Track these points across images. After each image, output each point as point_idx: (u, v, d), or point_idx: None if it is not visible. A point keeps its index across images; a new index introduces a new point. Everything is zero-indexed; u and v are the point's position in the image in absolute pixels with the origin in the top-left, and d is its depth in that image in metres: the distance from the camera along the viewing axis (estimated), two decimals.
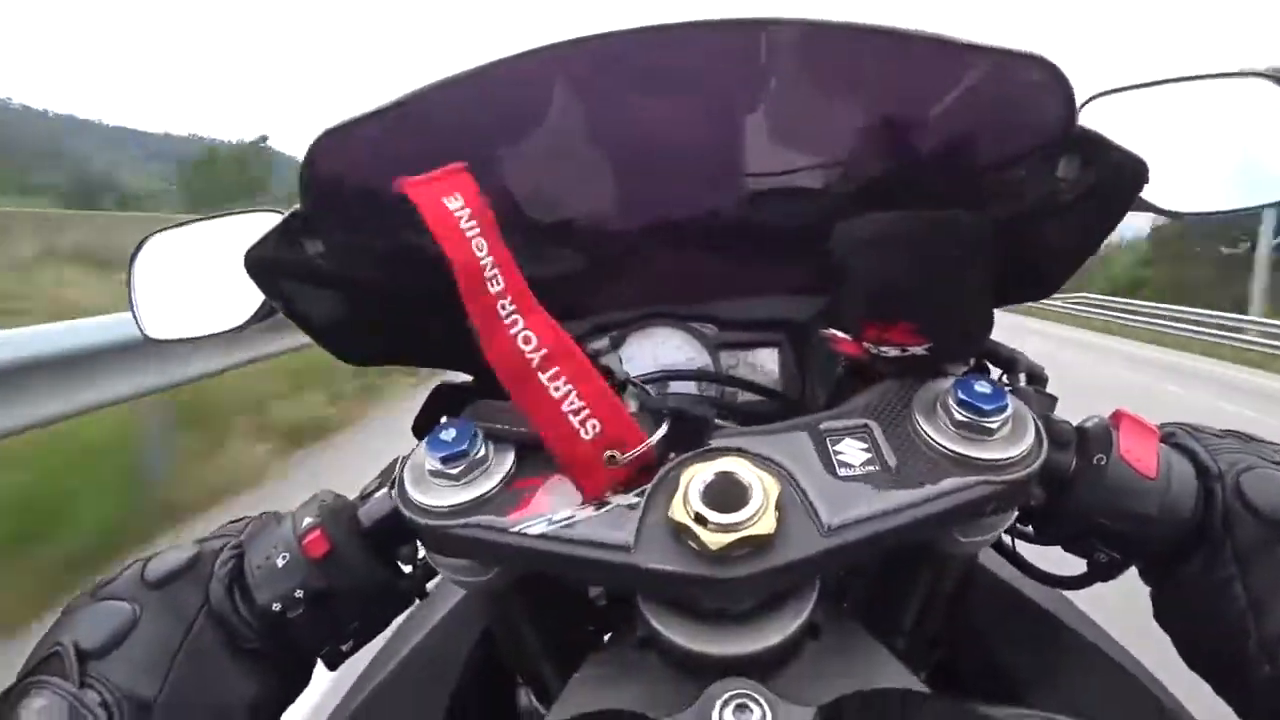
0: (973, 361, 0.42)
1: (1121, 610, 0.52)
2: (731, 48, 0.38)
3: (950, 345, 0.37)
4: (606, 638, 0.47)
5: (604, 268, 0.51)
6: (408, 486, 0.34)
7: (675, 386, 0.53)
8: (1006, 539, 0.43)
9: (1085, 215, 0.39)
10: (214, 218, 0.56)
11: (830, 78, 0.39)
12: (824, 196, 0.46)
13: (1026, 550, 0.45)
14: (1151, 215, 0.43)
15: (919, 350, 0.36)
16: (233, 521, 0.42)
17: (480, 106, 0.38)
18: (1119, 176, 0.37)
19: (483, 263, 0.33)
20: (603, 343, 0.55)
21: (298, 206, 0.39)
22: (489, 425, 0.35)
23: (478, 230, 0.33)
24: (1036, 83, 0.34)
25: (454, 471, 0.33)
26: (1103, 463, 0.37)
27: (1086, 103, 0.44)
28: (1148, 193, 0.42)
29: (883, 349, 0.37)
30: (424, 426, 0.51)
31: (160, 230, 0.57)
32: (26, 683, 0.33)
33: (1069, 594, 0.48)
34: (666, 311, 0.55)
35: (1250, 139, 0.44)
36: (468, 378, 0.54)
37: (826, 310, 0.52)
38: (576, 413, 0.33)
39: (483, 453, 0.34)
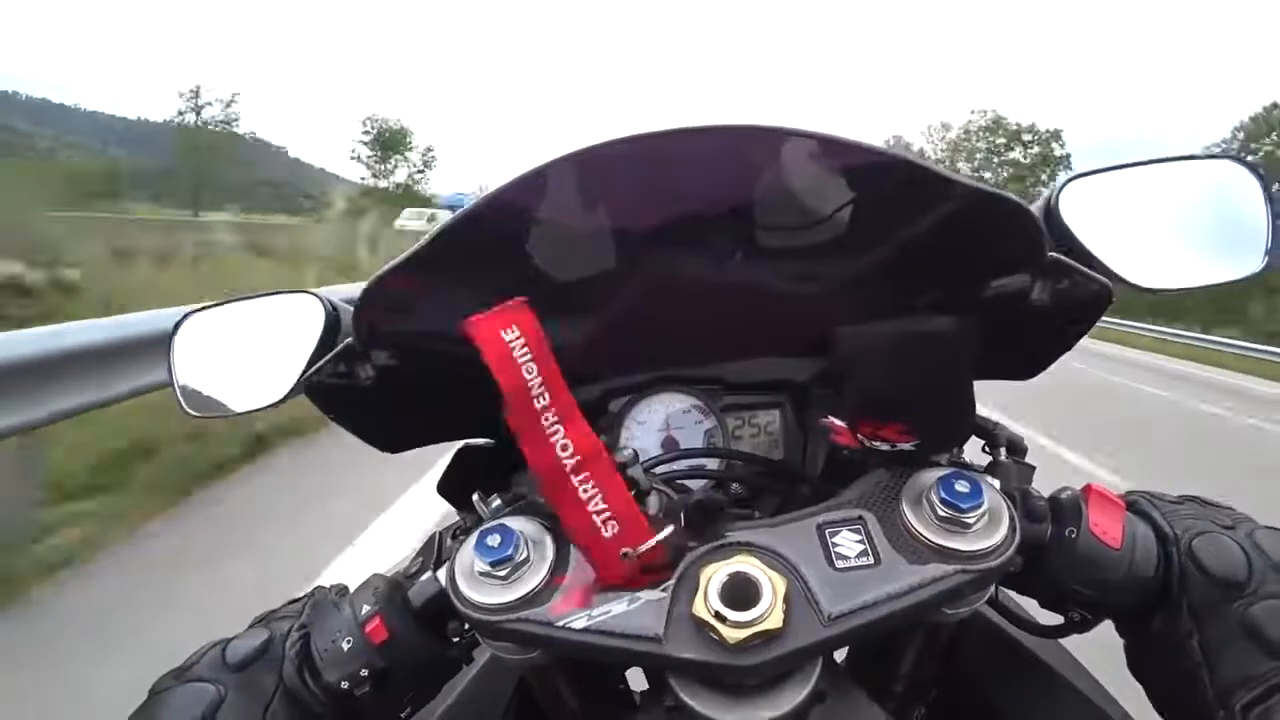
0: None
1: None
2: (745, 150, 0.42)
3: (936, 440, 0.41)
4: (637, 697, 0.50)
5: (616, 334, 0.55)
6: (460, 585, 0.38)
7: (689, 461, 0.56)
8: (994, 589, 0.47)
9: (1058, 324, 0.44)
10: (250, 298, 0.59)
11: (829, 178, 0.42)
12: (821, 265, 0.49)
13: (1015, 597, 0.49)
14: None
15: (907, 446, 0.40)
16: (291, 602, 0.45)
17: (505, 221, 0.42)
18: (1087, 297, 0.41)
19: (530, 384, 0.37)
20: (618, 405, 0.58)
21: (350, 340, 0.43)
22: (528, 527, 0.39)
23: (529, 356, 0.38)
24: (1010, 218, 0.38)
25: (501, 574, 0.37)
26: (1074, 535, 0.41)
27: (1065, 184, 0.48)
28: (1124, 269, 0.46)
29: (875, 443, 0.41)
30: (449, 488, 0.55)
31: (198, 309, 0.60)
32: None
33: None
34: (674, 375, 0.58)
35: (1221, 218, 0.48)
36: (489, 441, 0.58)
37: (826, 375, 0.56)
38: (600, 514, 0.37)
39: (525, 555, 0.38)
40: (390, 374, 0.45)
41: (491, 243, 0.43)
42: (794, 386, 0.58)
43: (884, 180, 0.40)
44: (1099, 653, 0.54)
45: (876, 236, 0.44)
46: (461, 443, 0.58)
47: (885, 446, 0.41)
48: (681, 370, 0.59)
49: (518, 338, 0.37)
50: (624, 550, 0.36)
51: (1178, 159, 0.48)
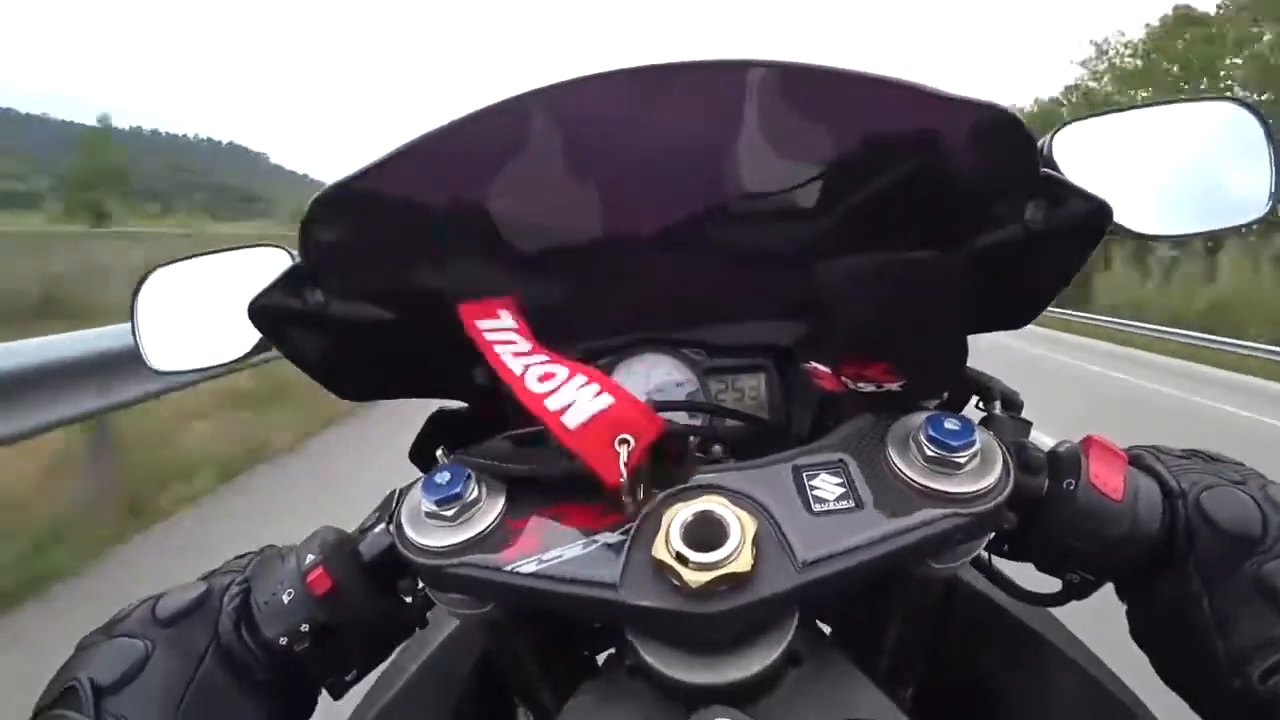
0: (947, 394, 0.43)
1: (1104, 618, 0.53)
2: (717, 87, 0.39)
3: (924, 382, 0.38)
4: (601, 659, 0.48)
5: (594, 294, 0.53)
6: (405, 527, 0.35)
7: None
8: (985, 555, 0.44)
9: (1055, 253, 0.41)
10: (216, 253, 0.57)
11: (806, 116, 0.40)
12: (805, 224, 0.47)
13: (1005, 566, 0.46)
14: None
15: (894, 387, 0.38)
16: (238, 557, 0.43)
17: (470, 152, 0.39)
18: (1085, 218, 0.38)
19: (517, 347, 0.39)
20: (600, 364, 0.56)
21: (298, 261, 0.40)
22: (481, 465, 0.37)
23: (514, 329, 0.40)
24: (1000, 131, 0.36)
25: (448, 513, 0.35)
26: (1072, 487, 0.38)
27: (1057, 131, 0.45)
28: (1123, 216, 0.43)
29: (860, 384, 0.38)
30: (421, 453, 0.53)
31: (163, 264, 0.58)
32: (46, 716, 0.34)
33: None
34: (657, 337, 0.56)
35: (1220, 162, 0.45)
36: (462, 404, 0.55)
37: (810, 337, 0.54)
38: (597, 410, 0.35)
39: (475, 494, 0.35)
40: (342, 304, 0.42)
41: (455, 176, 0.40)
42: (778, 350, 0.56)
43: (863, 105, 0.38)
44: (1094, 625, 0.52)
45: (859, 171, 0.42)
46: (436, 406, 0.56)
47: (870, 388, 0.38)
48: (663, 333, 0.57)
49: (502, 324, 0.39)
50: (621, 437, 0.34)
51: (1175, 101, 0.46)
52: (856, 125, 0.39)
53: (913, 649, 0.45)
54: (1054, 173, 0.38)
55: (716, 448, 0.52)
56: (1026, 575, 0.46)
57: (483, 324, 0.42)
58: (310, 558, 0.39)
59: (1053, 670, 0.47)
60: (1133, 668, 0.45)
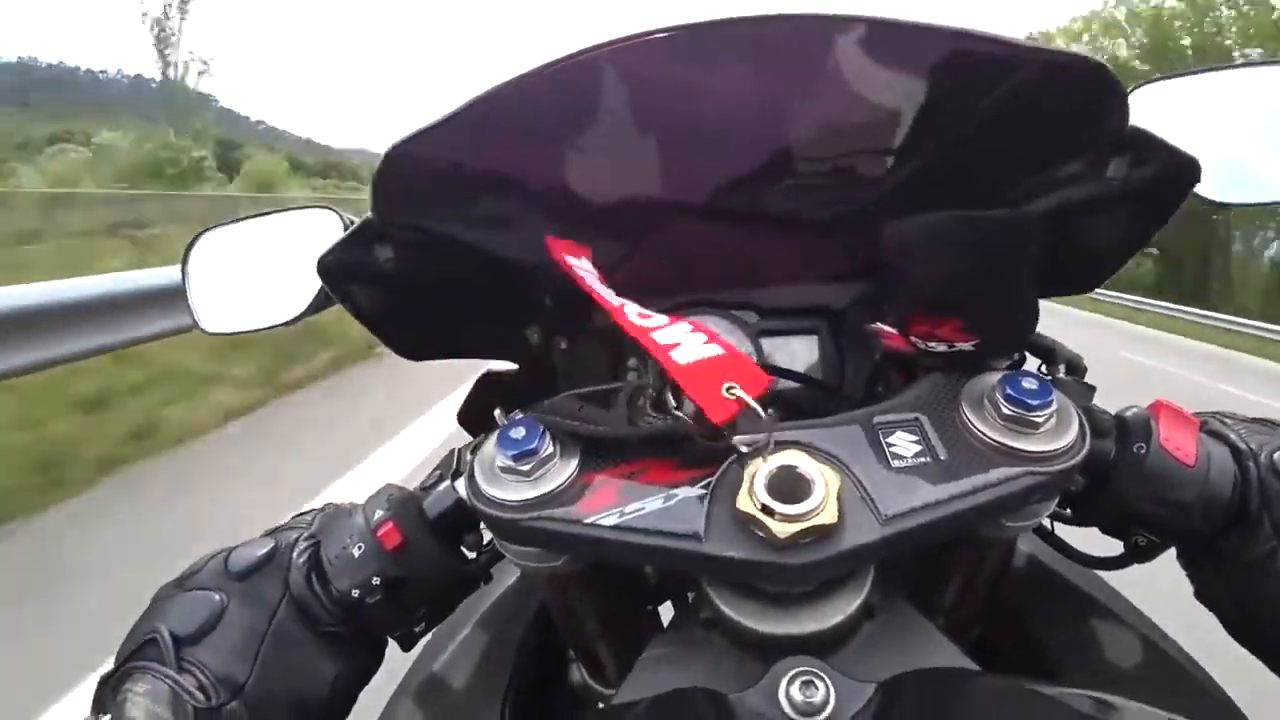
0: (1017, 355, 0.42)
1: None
2: (788, 42, 0.38)
3: (996, 342, 0.38)
4: (666, 618, 0.48)
5: (648, 254, 0.52)
6: (480, 481, 0.36)
7: None
8: (1045, 521, 0.44)
9: (1133, 213, 0.40)
10: (268, 214, 0.58)
11: (882, 72, 0.39)
12: (869, 186, 0.46)
13: (1061, 530, 0.46)
14: None
15: (966, 346, 0.37)
16: (300, 514, 0.44)
17: (533, 109, 0.38)
18: (1170, 176, 0.37)
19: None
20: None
21: (369, 215, 0.40)
22: (556, 423, 0.37)
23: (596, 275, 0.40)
24: (1089, 86, 0.34)
25: (525, 468, 0.35)
26: (1143, 452, 0.38)
27: (1133, 90, 0.44)
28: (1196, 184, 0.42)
29: (931, 344, 0.38)
30: (470, 415, 0.53)
31: (214, 226, 0.59)
32: (129, 667, 0.35)
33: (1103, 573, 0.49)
34: (707, 299, 0.56)
35: None
36: (512, 366, 0.56)
37: (865, 300, 0.53)
38: (707, 345, 0.35)
39: (550, 450, 0.36)
40: (408, 261, 0.42)
41: (518, 133, 0.40)
42: (831, 313, 0.55)
43: (943, 59, 0.36)
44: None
45: (935, 127, 0.40)
46: (484, 368, 0.56)
47: (941, 347, 0.38)
48: (716, 294, 0.56)
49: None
50: (728, 384, 0.33)
51: (1254, 64, 0.44)
52: (936, 79, 0.38)
53: (972, 605, 0.46)
54: (1141, 128, 0.37)
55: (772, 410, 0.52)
56: (1087, 542, 0.46)
57: (571, 260, 0.42)
58: (379, 513, 0.40)
59: (1106, 631, 0.47)
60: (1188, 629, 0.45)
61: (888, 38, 0.36)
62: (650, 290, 0.55)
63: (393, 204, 0.39)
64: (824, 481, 0.31)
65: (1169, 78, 0.44)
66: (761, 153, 0.46)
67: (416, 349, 0.48)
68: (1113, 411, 0.41)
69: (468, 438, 0.49)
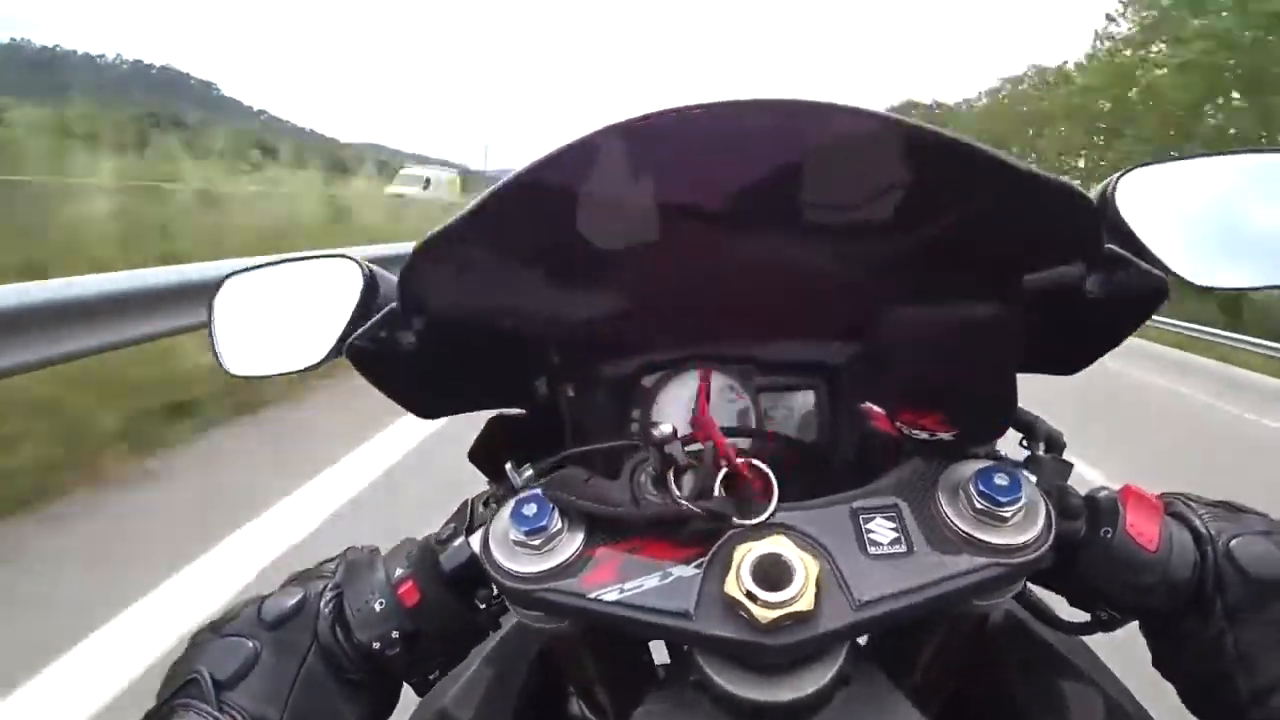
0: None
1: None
2: (793, 126, 0.40)
3: (975, 432, 0.41)
4: (660, 670, 0.51)
5: (652, 307, 0.55)
6: (494, 551, 0.39)
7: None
8: (1023, 583, 0.47)
9: (1108, 318, 0.43)
10: (289, 261, 0.60)
11: (870, 161, 0.41)
12: (865, 254, 0.48)
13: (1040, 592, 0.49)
14: None
15: (946, 436, 0.40)
16: (326, 561, 0.47)
17: (547, 192, 0.41)
18: (1143, 294, 0.40)
19: None
20: (651, 380, 0.58)
21: (394, 305, 0.43)
22: (564, 500, 0.40)
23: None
24: (1068, 206, 0.37)
25: (535, 543, 0.38)
26: (1109, 536, 0.41)
27: (1122, 175, 0.46)
28: (1181, 266, 0.44)
29: (913, 432, 0.41)
30: (481, 455, 0.56)
31: (238, 271, 0.61)
32: (174, 703, 0.39)
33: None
34: (711, 353, 0.58)
35: None
36: (520, 411, 0.58)
37: (861, 359, 0.55)
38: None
39: (559, 525, 0.39)
40: (431, 340, 0.45)
41: (535, 210, 0.42)
42: (828, 369, 0.57)
43: (935, 161, 0.39)
44: (1116, 653, 0.54)
45: (923, 217, 0.43)
46: (493, 412, 0.59)
47: (923, 435, 0.41)
48: (717, 348, 0.58)
49: None
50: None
51: (1242, 151, 0.46)
52: (927, 173, 0.40)
53: (944, 668, 0.48)
54: (1118, 249, 0.40)
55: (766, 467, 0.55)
56: (1059, 604, 0.48)
57: None
58: (399, 571, 0.43)
59: (1082, 695, 0.49)
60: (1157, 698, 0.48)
61: (883, 131, 0.38)
62: (659, 342, 0.57)
63: (416, 296, 0.43)
64: (804, 569, 0.34)
65: (1160, 162, 0.46)
66: (762, 213, 0.48)
67: (432, 410, 0.51)
68: (1088, 489, 0.44)
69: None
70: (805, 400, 0.58)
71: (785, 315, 0.57)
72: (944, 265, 0.45)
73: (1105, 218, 0.45)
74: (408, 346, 0.44)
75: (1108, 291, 0.41)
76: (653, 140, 0.40)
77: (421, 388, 0.49)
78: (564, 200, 0.44)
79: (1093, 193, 0.47)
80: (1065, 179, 0.36)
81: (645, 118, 0.38)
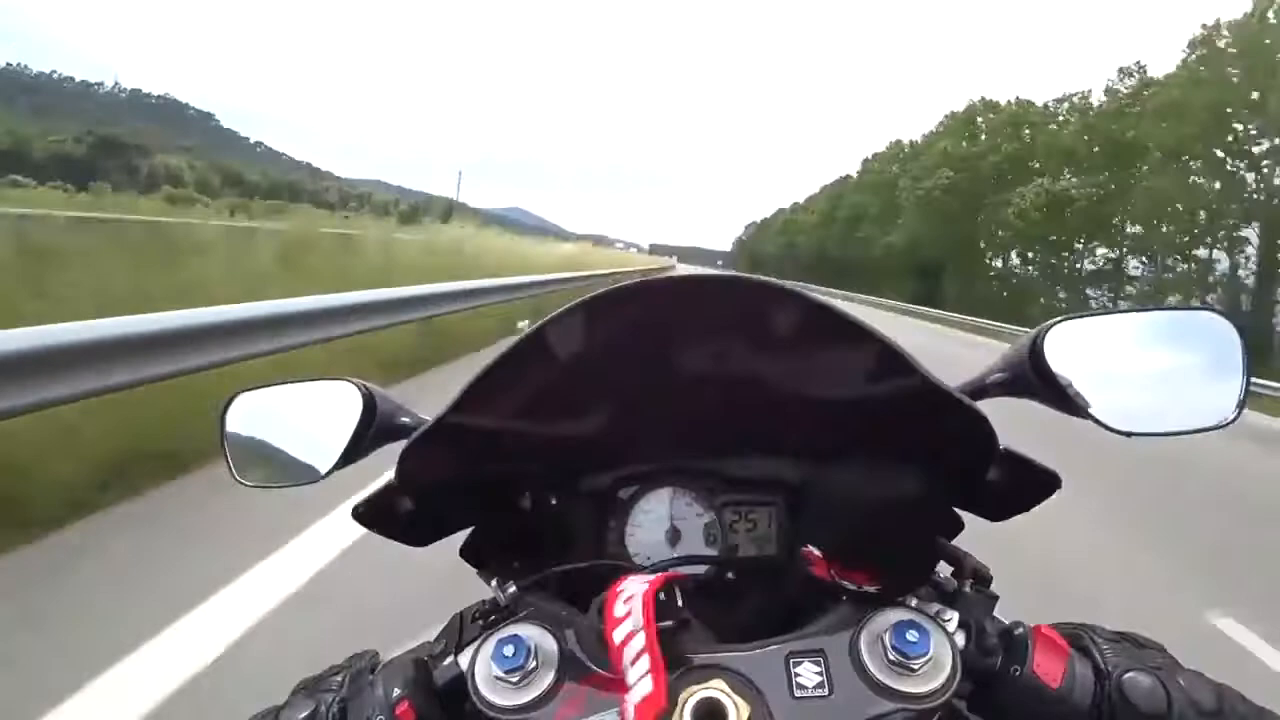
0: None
1: None
2: (749, 303, 0.47)
3: (898, 586, 0.46)
4: None
5: (625, 425, 0.61)
6: (480, 688, 0.45)
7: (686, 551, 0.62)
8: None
9: (1011, 498, 0.49)
10: (294, 383, 0.65)
11: (812, 338, 0.48)
12: (809, 387, 0.55)
13: None
14: None
15: (872, 589, 0.45)
16: (333, 669, 0.52)
17: (524, 368, 0.47)
18: (1038, 484, 0.46)
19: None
20: (626, 494, 0.63)
21: (393, 480, 0.48)
22: (538, 642, 0.46)
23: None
24: (974, 423, 0.43)
25: (513, 680, 0.44)
26: (1017, 673, 0.46)
27: (1050, 327, 0.51)
28: (1101, 411, 0.49)
29: (845, 582, 0.46)
30: (470, 553, 0.61)
31: (246, 389, 0.66)
32: None
33: None
34: (680, 467, 0.63)
35: (1199, 367, 0.50)
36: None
37: (811, 478, 0.61)
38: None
39: (534, 664, 0.44)
40: (425, 504, 0.50)
41: (518, 383, 0.48)
42: (787, 487, 0.63)
43: (870, 360, 0.45)
44: None
45: (836, 391, 0.49)
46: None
47: (852, 586, 0.46)
48: (687, 461, 0.64)
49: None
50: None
51: (1161, 308, 0.51)
52: (860, 369, 0.47)
53: None
54: (1014, 450, 0.46)
55: (729, 574, 0.61)
56: None
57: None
58: (396, 691, 0.48)
59: None
60: None
61: (825, 319, 0.45)
62: (632, 458, 0.63)
63: (413, 475, 0.49)
64: (736, 711, 0.40)
65: (1081, 316, 0.51)
66: (725, 357, 0.54)
67: (424, 539, 0.57)
68: (1007, 621, 0.49)
69: None
70: (767, 516, 0.63)
71: (747, 433, 0.62)
72: (865, 438, 0.51)
73: (1034, 363, 0.50)
74: (405, 509, 0.50)
75: (1007, 482, 0.47)
76: (635, 303, 0.47)
77: (414, 524, 0.54)
78: (547, 367, 0.50)
79: (1023, 339, 0.52)
80: (968, 401, 0.42)
81: (622, 289, 0.45)
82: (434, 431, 0.45)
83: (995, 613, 0.50)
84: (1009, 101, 51.83)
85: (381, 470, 0.56)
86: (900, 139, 64.75)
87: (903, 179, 55.75)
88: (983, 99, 53.60)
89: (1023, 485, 0.47)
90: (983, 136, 51.73)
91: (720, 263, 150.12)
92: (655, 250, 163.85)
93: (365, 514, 0.50)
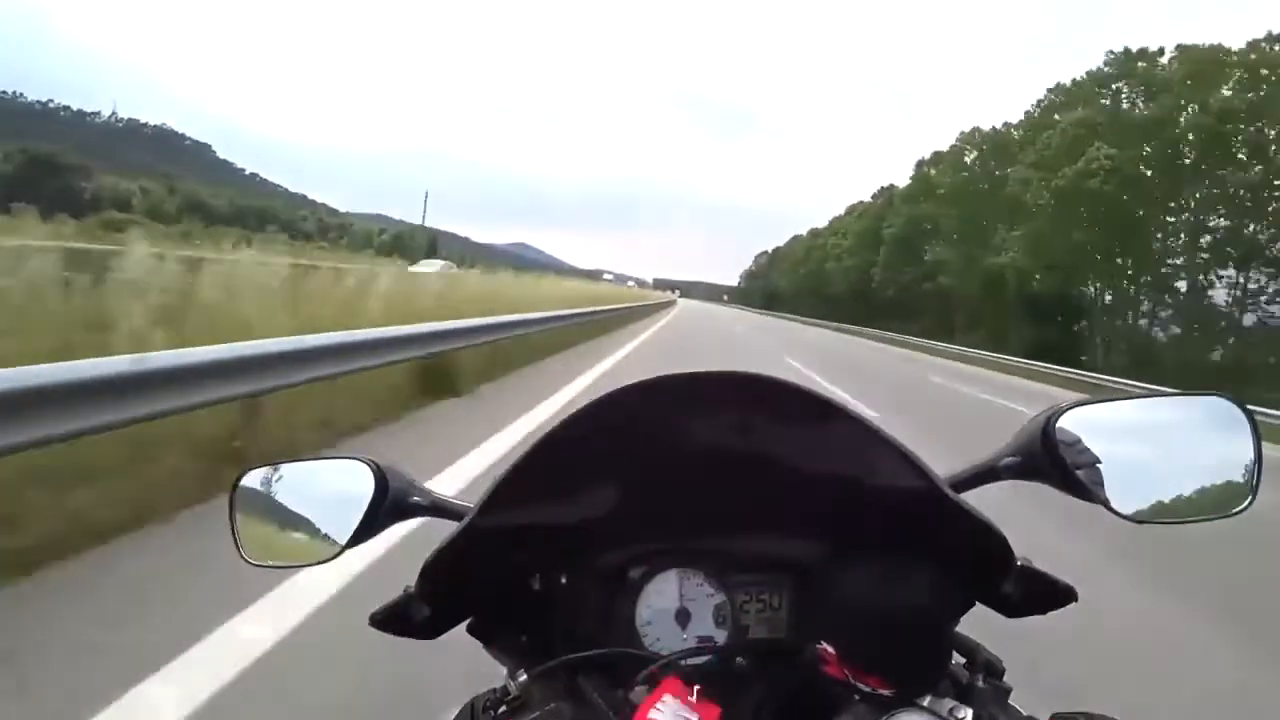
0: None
1: None
2: (761, 401, 0.47)
3: (910, 689, 0.46)
4: None
5: (637, 506, 0.61)
6: None
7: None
8: None
9: (1029, 605, 0.50)
10: (305, 460, 0.64)
11: (812, 437, 0.49)
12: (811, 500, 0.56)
13: None
14: None
15: (886, 693, 0.45)
16: None
17: (537, 475, 0.48)
18: (1054, 596, 0.47)
19: None
20: (637, 573, 0.63)
21: (411, 589, 0.49)
22: None
23: None
24: (991, 539, 0.45)
25: None
26: None
27: (1062, 412, 0.51)
28: (1112, 496, 0.49)
29: (858, 683, 0.46)
30: (478, 631, 0.61)
31: (256, 467, 0.65)
32: None
33: None
34: (691, 546, 0.63)
35: (1211, 453, 0.50)
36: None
37: (828, 560, 0.61)
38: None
39: None
40: (440, 610, 0.51)
41: (522, 505, 0.50)
42: (798, 568, 0.62)
43: (888, 469, 0.46)
44: None
45: (852, 496, 0.50)
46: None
47: (866, 688, 0.46)
48: (698, 540, 0.63)
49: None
50: None
51: (1171, 394, 0.51)
52: (873, 472, 0.47)
53: None
54: (1030, 565, 0.47)
55: (739, 659, 0.60)
56: None
57: None
58: None
59: None
60: None
61: (835, 418, 0.45)
62: (647, 537, 0.62)
63: (430, 590, 0.50)
64: None
65: (1095, 402, 0.51)
66: (728, 455, 0.54)
67: (436, 631, 0.57)
68: (1023, 712, 0.48)
69: None
70: (777, 597, 0.63)
71: (758, 512, 0.62)
72: (878, 532, 0.51)
73: (1045, 447, 0.50)
74: (422, 616, 0.50)
75: (1022, 595, 0.48)
76: (647, 397, 0.47)
77: (435, 628, 0.55)
78: (565, 464, 0.50)
79: (1036, 421, 0.52)
80: (989, 522, 0.43)
81: (642, 385, 0.46)
82: (456, 539, 0.46)
83: (1010, 701, 0.49)
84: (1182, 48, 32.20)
85: None
86: (979, 126, 46.00)
87: (1016, 170, 37.09)
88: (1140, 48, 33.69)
89: (1039, 594, 0.48)
90: (1161, 94, 31.97)
91: (725, 298, 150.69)
92: (659, 285, 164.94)
93: (383, 621, 0.50)
